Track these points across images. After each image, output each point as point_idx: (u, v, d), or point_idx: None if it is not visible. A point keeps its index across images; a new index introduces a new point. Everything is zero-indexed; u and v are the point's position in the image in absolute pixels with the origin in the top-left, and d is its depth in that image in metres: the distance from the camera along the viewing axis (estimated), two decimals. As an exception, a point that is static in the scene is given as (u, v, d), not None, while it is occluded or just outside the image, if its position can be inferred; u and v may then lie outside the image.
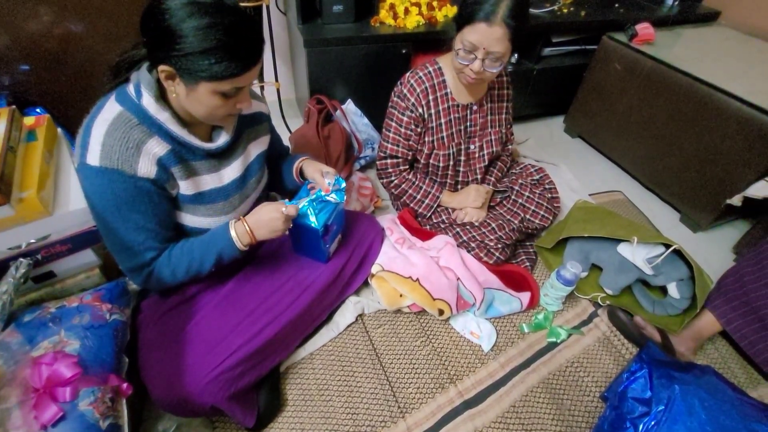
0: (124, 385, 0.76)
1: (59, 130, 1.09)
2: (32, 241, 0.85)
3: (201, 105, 0.70)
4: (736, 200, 1.39)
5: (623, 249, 1.23)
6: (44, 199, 0.85)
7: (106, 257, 1.00)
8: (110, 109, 0.70)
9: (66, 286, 0.94)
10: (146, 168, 0.70)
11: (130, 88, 0.71)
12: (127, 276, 0.81)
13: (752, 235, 1.49)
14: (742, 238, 1.53)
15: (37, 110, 1.21)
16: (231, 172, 0.85)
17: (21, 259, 0.81)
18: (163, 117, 0.71)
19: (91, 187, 0.69)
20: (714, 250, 1.56)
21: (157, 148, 0.72)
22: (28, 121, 0.99)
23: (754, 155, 1.36)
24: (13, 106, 0.96)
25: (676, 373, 0.90)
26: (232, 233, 0.80)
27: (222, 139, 0.80)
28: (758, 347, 1.04)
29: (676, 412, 0.83)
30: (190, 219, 0.82)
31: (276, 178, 1.07)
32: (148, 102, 0.70)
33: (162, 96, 0.72)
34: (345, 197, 0.95)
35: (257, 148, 0.92)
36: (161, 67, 0.66)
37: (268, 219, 0.80)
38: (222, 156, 0.83)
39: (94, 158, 0.67)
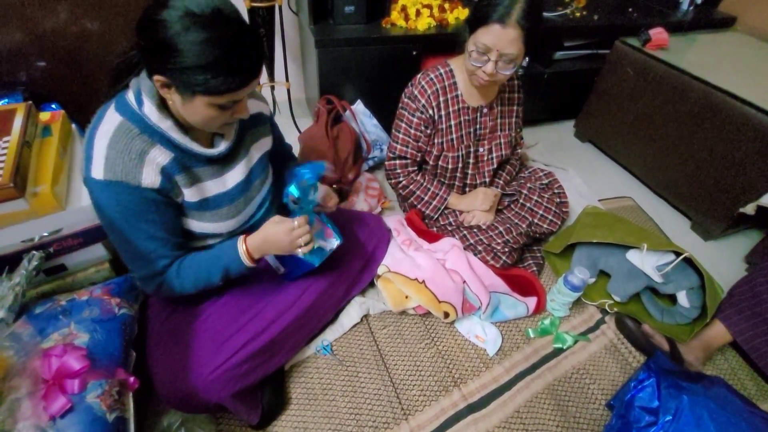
0: (131, 379, 0.77)
1: (73, 125, 1.11)
2: (45, 234, 0.87)
3: (197, 115, 0.69)
4: (749, 209, 1.36)
5: (632, 256, 1.21)
6: (58, 194, 0.87)
7: (116, 252, 1.02)
8: (111, 120, 0.69)
9: (77, 279, 0.96)
10: (150, 178, 0.70)
11: (130, 96, 0.70)
12: (140, 284, 0.81)
13: (765, 245, 1.47)
14: (754, 247, 1.51)
15: (53, 106, 1.23)
16: (234, 176, 0.84)
17: (33, 252, 0.83)
18: (165, 125, 0.70)
19: (99, 199, 0.69)
20: (725, 260, 1.53)
21: (160, 157, 0.71)
22: (44, 116, 1.01)
23: (769, 163, 1.34)
24: (30, 102, 0.98)
25: (684, 384, 0.89)
26: (240, 250, 0.80)
27: (223, 144, 0.80)
28: (770, 359, 1.02)
29: (684, 423, 0.82)
30: (196, 225, 0.82)
31: (279, 180, 1.07)
32: (150, 110, 0.69)
33: (163, 104, 0.70)
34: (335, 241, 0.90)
35: (259, 149, 0.92)
36: (156, 77, 0.64)
37: (274, 238, 0.79)
38: (224, 161, 0.82)
39: (98, 171, 0.67)
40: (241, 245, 0.80)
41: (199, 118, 0.69)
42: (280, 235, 0.78)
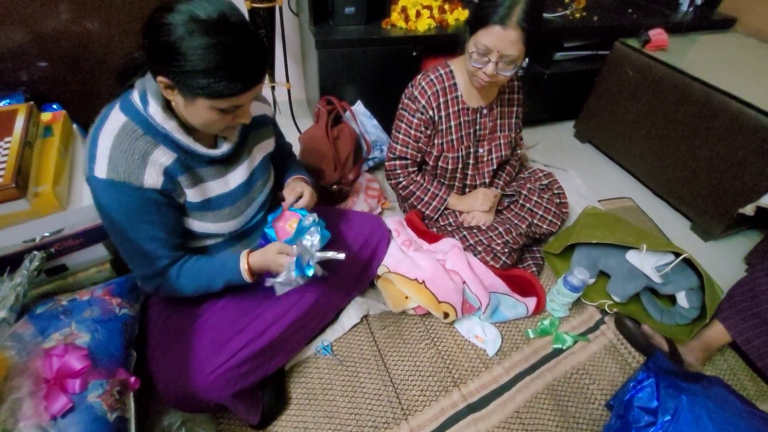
0: (132, 378, 0.77)
1: (74, 126, 1.11)
2: (46, 234, 0.87)
3: (199, 117, 0.69)
4: (749, 209, 1.37)
5: (632, 256, 1.22)
6: (59, 194, 0.87)
7: (117, 252, 1.02)
8: (115, 120, 0.70)
9: (77, 279, 0.96)
10: (153, 179, 0.70)
11: (135, 97, 0.71)
12: (140, 283, 0.82)
13: (764, 246, 1.47)
14: (754, 248, 1.51)
15: (54, 106, 1.23)
16: (236, 176, 0.85)
17: (35, 252, 0.83)
18: (170, 126, 0.71)
19: (101, 199, 0.69)
20: (725, 260, 1.53)
21: (163, 158, 0.71)
22: (45, 117, 1.01)
23: (769, 164, 1.34)
24: (31, 102, 0.98)
25: (683, 384, 0.89)
26: (242, 267, 0.80)
27: (226, 145, 0.80)
28: (769, 360, 1.03)
29: (683, 423, 0.82)
30: (198, 225, 0.82)
31: (279, 178, 1.08)
32: (155, 111, 0.69)
33: (168, 105, 0.71)
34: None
35: (262, 151, 0.92)
36: (160, 78, 0.65)
37: (275, 264, 0.79)
38: (227, 161, 0.83)
39: (101, 171, 0.67)
40: (243, 262, 0.81)
41: (201, 121, 0.70)
42: (281, 267, 0.78)
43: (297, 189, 0.95)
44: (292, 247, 0.79)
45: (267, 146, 0.94)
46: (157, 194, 0.71)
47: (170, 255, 0.78)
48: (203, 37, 0.60)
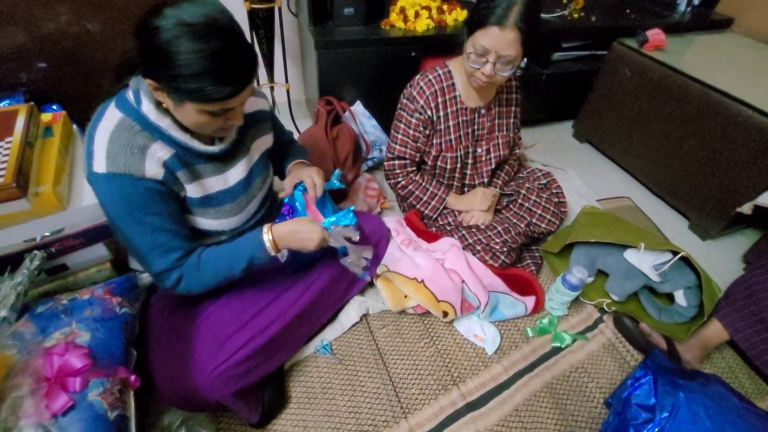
0: (132, 377, 0.77)
1: (74, 126, 1.11)
2: (47, 234, 0.87)
3: (188, 119, 0.69)
4: (746, 208, 1.37)
5: (630, 255, 1.22)
6: (59, 194, 0.88)
7: (117, 252, 1.02)
8: (111, 117, 0.70)
9: (78, 278, 0.96)
10: (153, 170, 0.70)
11: (129, 94, 0.71)
12: (157, 282, 0.80)
13: (762, 244, 1.48)
14: (751, 246, 1.52)
15: (54, 107, 1.23)
16: (236, 173, 0.85)
17: (35, 252, 0.83)
18: (165, 123, 0.71)
19: (103, 194, 0.69)
20: (723, 259, 1.54)
21: (161, 152, 0.71)
22: (45, 117, 1.01)
23: (766, 163, 1.34)
24: (32, 103, 0.99)
25: (681, 381, 0.90)
26: (266, 239, 0.79)
27: (224, 141, 0.80)
28: (766, 357, 1.03)
29: (680, 420, 0.83)
30: (200, 221, 0.82)
31: (282, 167, 1.08)
32: (148, 109, 0.70)
33: (160, 103, 0.71)
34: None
35: (260, 147, 0.92)
36: (148, 80, 0.65)
37: (305, 236, 0.80)
38: (226, 158, 0.83)
39: (100, 166, 0.67)
40: (267, 234, 0.79)
41: (191, 122, 0.70)
42: (310, 243, 0.81)
43: (303, 176, 0.95)
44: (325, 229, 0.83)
45: (265, 142, 0.94)
46: (159, 185, 0.71)
47: (183, 246, 0.76)
48: (190, 41, 0.59)
